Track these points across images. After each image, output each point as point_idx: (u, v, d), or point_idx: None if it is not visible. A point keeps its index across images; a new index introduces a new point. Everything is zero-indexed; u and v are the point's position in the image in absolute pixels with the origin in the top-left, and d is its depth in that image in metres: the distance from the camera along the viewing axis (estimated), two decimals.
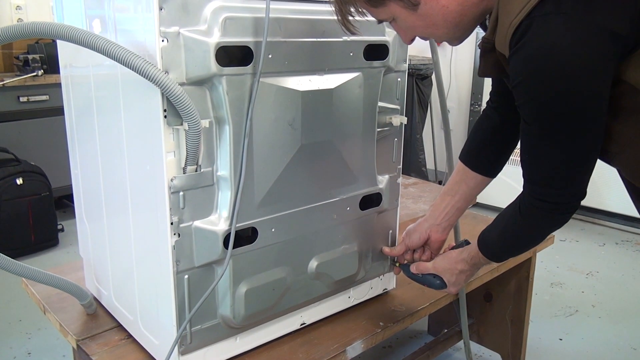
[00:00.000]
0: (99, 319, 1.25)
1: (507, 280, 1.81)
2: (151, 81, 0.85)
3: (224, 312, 1.07)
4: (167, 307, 1.01)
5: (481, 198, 3.38)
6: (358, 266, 1.28)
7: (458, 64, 3.92)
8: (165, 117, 0.91)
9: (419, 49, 3.48)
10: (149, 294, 1.08)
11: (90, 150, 1.20)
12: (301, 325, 1.24)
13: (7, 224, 2.82)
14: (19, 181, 2.85)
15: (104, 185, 1.17)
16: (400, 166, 1.32)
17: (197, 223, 0.99)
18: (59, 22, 1.19)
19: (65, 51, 1.23)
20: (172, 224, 0.96)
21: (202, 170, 0.97)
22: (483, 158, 1.23)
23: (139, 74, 0.85)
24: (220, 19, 0.91)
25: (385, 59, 1.17)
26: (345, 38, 1.09)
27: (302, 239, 1.16)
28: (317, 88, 1.07)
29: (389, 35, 1.17)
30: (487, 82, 3.81)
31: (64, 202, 3.39)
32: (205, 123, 0.93)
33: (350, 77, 1.12)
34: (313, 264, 1.19)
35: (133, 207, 1.07)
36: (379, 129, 1.22)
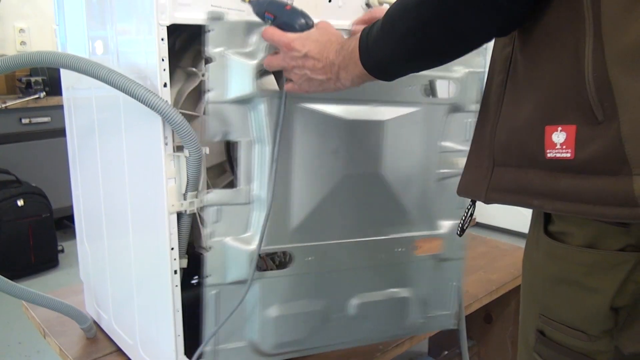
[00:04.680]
0: (98, 343, 1.25)
1: (507, 301, 1.81)
2: (153, 109, 0.87)
3: (251, 335, 1.05)
4: (167, 333, 1.01)
5: (482, 218, 3.37)
6: (410, 315, 1.18)
7: None
8: (166, 143, 0.92)
9: None
10: (148, 318, 1.08)
11: (91, 173, 1.20)
12: None
13: (7, 245, 2.82)
14: (20, 202, 2.86)
15: (105, 208, 1.18)
16: None
17: (229, 239, 0.99)
18: (61, 45, 1.22)
19: (67, 73, 1.25)
20: (172, 249, 0.96)
21: (239, 187, 0.98)
22: None
23: (142, 103, 0.87)
24: (266, 44, 0.92)
25: (451, 96, 1.10)
26: None
27: (343, 274, 1.10)
28: (366, 118, 1.03)
29: (457, 72, 1.10)
30: None
31: (64, 222, 3.39)
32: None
33: (406, 111, 1.06)
34: (353, 302, 1.12)
35: (134, 230, 1.08)
36: (442, 170, 1.13)
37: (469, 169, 0.78)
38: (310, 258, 1.05)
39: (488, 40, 0.71)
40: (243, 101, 0.94)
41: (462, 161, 1.08)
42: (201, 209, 0.97)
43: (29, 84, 3.16)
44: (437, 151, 1.11)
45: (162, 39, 0.87)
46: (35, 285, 2.88)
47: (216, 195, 0.96)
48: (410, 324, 1.20)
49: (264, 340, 1.06)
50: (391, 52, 0.74)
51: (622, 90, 0.56)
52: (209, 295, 0.99)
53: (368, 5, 1.05)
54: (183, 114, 0.91)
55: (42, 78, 3.17)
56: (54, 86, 3.18)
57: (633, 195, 0.55)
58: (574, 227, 0.66)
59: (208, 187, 1.02)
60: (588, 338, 0.65)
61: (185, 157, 0.92)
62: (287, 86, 0.90)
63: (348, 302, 1.13)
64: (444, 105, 1.10)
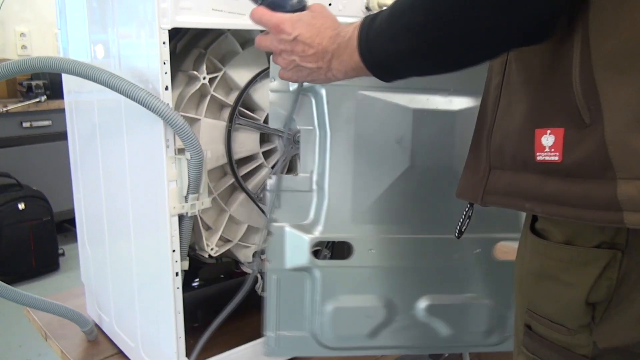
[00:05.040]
0: (100, 346, 1.25)
1: None
2: (154, 112, 0.88)
3: (311, 325, 1.04)
4: (168, 335, 1.01)
5: None
6: (490, 327, 1.09)
7: None
8: (167, 146, 0.93)
9: None
10: (150, 321, 1.08)
11: (93, 175, 1.21)
12: None
13: (8, 248, 2.83)
14: (21, 206, 2.87)
15: (107, 210, 1.19)
16: None
17: (289, 226, 0.99)
18: (63, 49, 1.23)
19: (69, 77, 1.25)
20: (173, 251, 0.97)
21: (299, 174, 0.99)
22: None
23: (143, 106, 0.88)
24: None
25: None
26: None
27: (410, 272, 1.05)
28: (434, 108, 0.98)
29: None
30: None
31: (65, 226, 3.40)
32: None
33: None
34: (422, 303, 1.06)
35: (135, 233, 1.08)
36: None
37: (467, 171, 0.79)
38: (372, 250, 1.02)
39: (510, 46, 0.64)
40: (305, 90, 0.95)
41: None
42: (202, 211, 0.97)
43: (30, 88, 3.17)
44: None
45: (164, 43, 0.88)
46: (36, 289, 2.89)
47: (277, 181, 0.97)
48: (490, 336, 1.11)
49: (323, 331, 1.05)
50: (396, 50, 0.65)
51: (606, 94, 0.56)
52: (271, 279, 0.99)
53: (368, 8, 1.05)
54: (184, 116, 0.92)
55: (43, 82, 3.18)
56: (54, 90, 3.19)
57: (617, 199, 0.55)
58: (554, 224, 0.67)
59: (209, 190, 1.03)
60: (568, 332, 0.66)
61: (187, 159, 0.93)
62: (279, 72, 0.83)
63: (415, 302, 1.06)
64: None
